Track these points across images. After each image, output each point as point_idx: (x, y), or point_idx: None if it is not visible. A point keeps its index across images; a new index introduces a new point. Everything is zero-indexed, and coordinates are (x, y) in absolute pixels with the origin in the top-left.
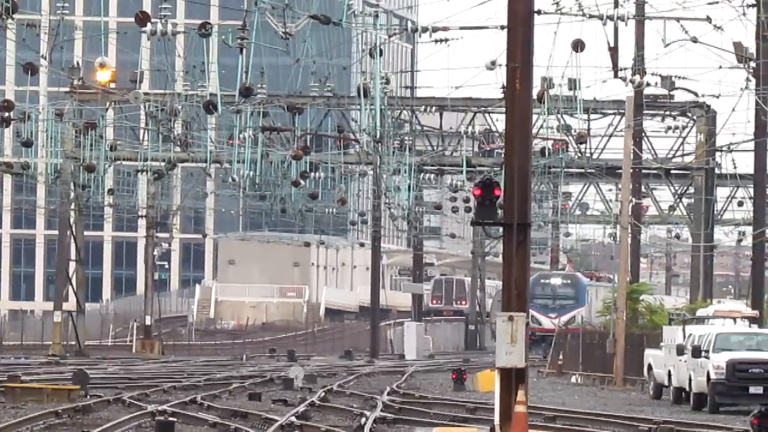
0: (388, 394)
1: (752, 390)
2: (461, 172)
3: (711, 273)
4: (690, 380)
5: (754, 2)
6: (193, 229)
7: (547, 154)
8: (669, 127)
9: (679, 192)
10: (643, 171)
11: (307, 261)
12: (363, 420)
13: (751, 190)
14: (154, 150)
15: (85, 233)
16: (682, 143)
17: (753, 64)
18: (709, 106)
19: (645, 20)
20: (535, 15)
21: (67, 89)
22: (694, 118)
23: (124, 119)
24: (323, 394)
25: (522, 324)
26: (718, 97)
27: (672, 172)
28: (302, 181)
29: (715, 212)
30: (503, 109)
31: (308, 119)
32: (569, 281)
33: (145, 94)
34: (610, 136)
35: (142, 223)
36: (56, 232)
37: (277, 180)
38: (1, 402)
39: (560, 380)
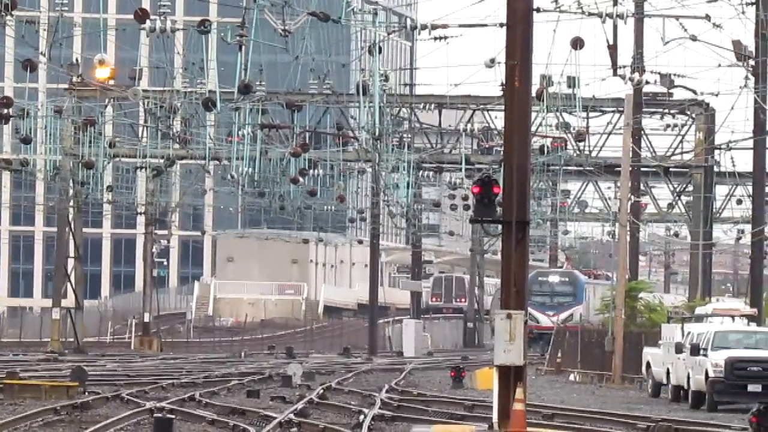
0: (387, 391)
1: (751, 388)
2: (460, 169)
3: (710, 271)
4: (688, 378)
5: (753, 0)
6: (191, 226)
7: (546, 151)
8: (668, 125)
9: (677, 190)
10: (642, 169)
11: (305, 258)
12: (361, 417)
13: (750, 188)
14: (153, 147)
15: (84, 230)
16: (681, 141)
17: (752, 63)
18: (708, 104)
19: (644, 18)
20: (534, 13)
21: (66, 86)
22: (693, 116)
23: (123, 116)
24: (322, 391)
25: (521, 322)
26: (717, 95)
27: (671, 170)
28: (301, 179)
29: (714, 210)
30: (502, 107)
31: (307, 116)
32: (567, 279)
33: (144, 91)
34: (609, 134)
35: (140, 220)
36: (55, 228)
37: (276, 177)
38: None
39: (559, 378)
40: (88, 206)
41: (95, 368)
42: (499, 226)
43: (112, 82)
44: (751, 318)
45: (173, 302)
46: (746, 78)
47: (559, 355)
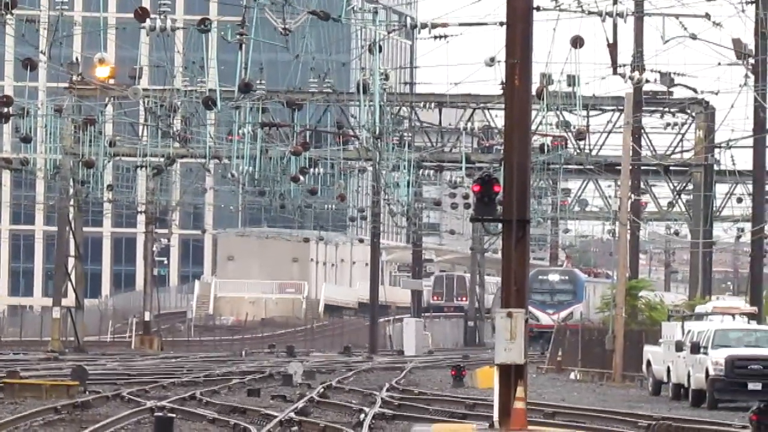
0: (387, 390)
1: (751, 386)
2: (460, 168)
3: (710, 269)
4: (689, 376)
5: None
6: (192, 225)
7: (546, 150)
8: (668, 124)
9: (678, 188)
10: (642, 167)
11: (306, 257)
12: (362, 416)
13: (750, 187)
14: (153, 146)
15: (84, 229)
16: (681, 140)
17: (752, 61)
18: (708, 102)
19: (644, 17)
20: (534, 11)
21: (66, 85)
22: (693, 114)
23: (123, 115)
24: (322, 390)
25: (521, 320)
26: (717, 93)
27: (671, 168)
28: (301, 177)
29: (714, 209)
30: (502, 106)
31: (307, 115)
32: (567, 277)
33: (144, 89)
34: (609, 133)
35: (141, 218)
36: (55, 227)
37: (277, 176)
38: None
39: (559, 376)
40: (88, 205)
41: (96, 367)
42: (500, 225)
43: (112, 81)
44: (751, 316)
45: (174, 301)
46: (746, 76)
47: (560, 353)
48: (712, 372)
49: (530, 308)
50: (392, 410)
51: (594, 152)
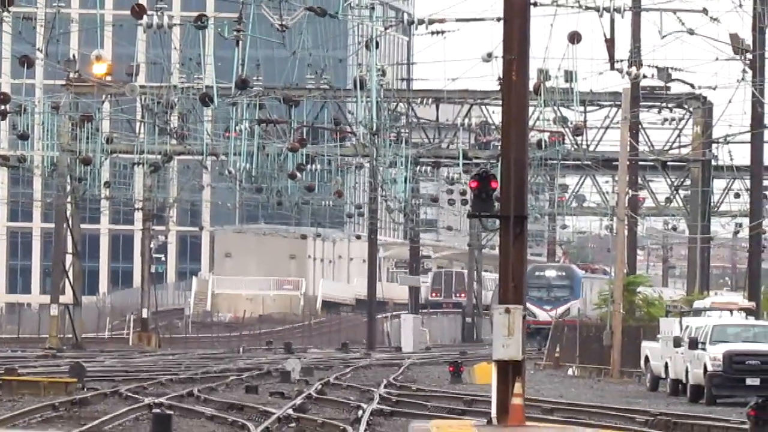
0: (385, 386)
1: (749, 382)
2: (458, 164)
3: (708, 265)
4: (687, 372)
5: None
6: (189, 222)
7: (543, 146)
8: (665, 119)
9: (675, 184)
10: (640, 163)
11: (303, 253)
12: (360, 413)
13: (748, 182)
14: (150, 143)
15: (82, 226)
16: (679, 135)
17: (749, 56)
18: (706, 97)
19: (641, 12)
20: (532, 7)
21: (63, 82)
22: (691, 109)
23: (120, 112)
24: (320, 386)
25: (519, 316)
26: (714, 88)
27: (668, 164)
28: (299, 174)
29: (712, 204)
30: (500, 101)
31: (304, 111)
32: (564, 273)
33: (141, 86)
34: (607, 128)
35: (138, 215)
36: (53, 225)
37: (274, 172)
38: None
39: (557, 373)
40: (85, 202)
41: (94, 364)
42: (497, 221)
43: (109, 78)
44: (749, 311)
45: (171, 298)
46: (744, 71)
47: (558, 349)
48: (710, 367)
49: (527, 304)
50: (390, 407)
51: (591, 148)
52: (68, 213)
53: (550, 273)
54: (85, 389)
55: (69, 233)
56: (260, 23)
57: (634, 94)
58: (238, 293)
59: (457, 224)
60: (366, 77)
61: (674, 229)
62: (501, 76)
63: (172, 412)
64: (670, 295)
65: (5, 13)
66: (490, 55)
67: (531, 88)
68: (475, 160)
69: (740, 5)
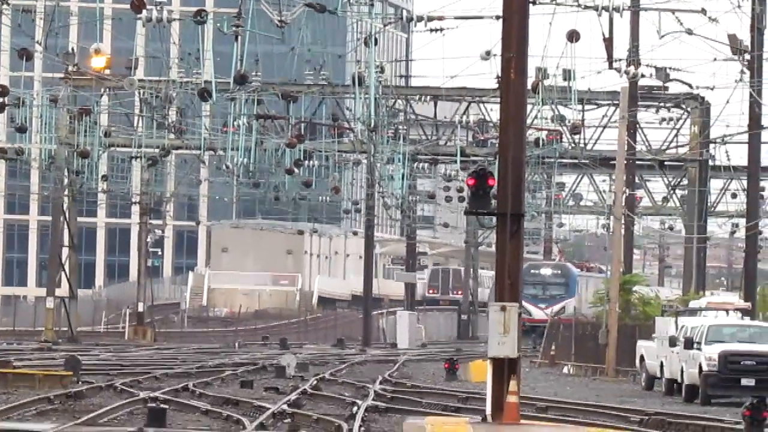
0: (380, 383)
1: (744, 382)
2: (455, 161)
3: (704, 265)
4: (682, 372)
5: None
6: (186, 216)
7: (541, 144)
8: (663, 119)
9: (672, 183)
10: (637, 162)
11: (300, 249)
12: (355, 409)
13: (745, 182)
14: (148, 137)
15: (79, 219)
16: (676, 135)
17: (747, 57)
18: (704, 97)
19: (640, 11)
20: (531, 5)
21: (62, 75)
22: (689, 109)
23: (118, 106)
24: (315, 382)
25: (515, 314)
26: (712, 89)
27: (666, 163)
28: (296, 169)
29: (709, 204)
30: (498, 99)
31: (302, 107)
32: (559, 271)
33: (140, 80)
34: (605, 127)
35: (135, 209)
36: (50, 217)
37: (271, 168)
38: None
39: (552, 371)
40: (82, 195)
41: (89, 358)
42: (494, 219)
43: (107, 71)
44: (744, 312)
45: (167, 292)
46: (742, 72)
47: (553, 347)
48: (705, 367)
49: (522, 302)
50: (385, 403)
51: (589, 146)
52: (65, 206)
53: (546, 271)
54: (80, 383)
55: (66, 226)
56: (259, 19)
57: (632, 94)
58: (234, 288)
59: (454, 221)
60: (364, 74)
61: (671, 228)
62: (499, 74)
63: (166, 407)
64: (667, 294)
65: (4, 6)
66: (488, 53)
67: (529, 87)
68: (472, 158)
69: (739, 6)
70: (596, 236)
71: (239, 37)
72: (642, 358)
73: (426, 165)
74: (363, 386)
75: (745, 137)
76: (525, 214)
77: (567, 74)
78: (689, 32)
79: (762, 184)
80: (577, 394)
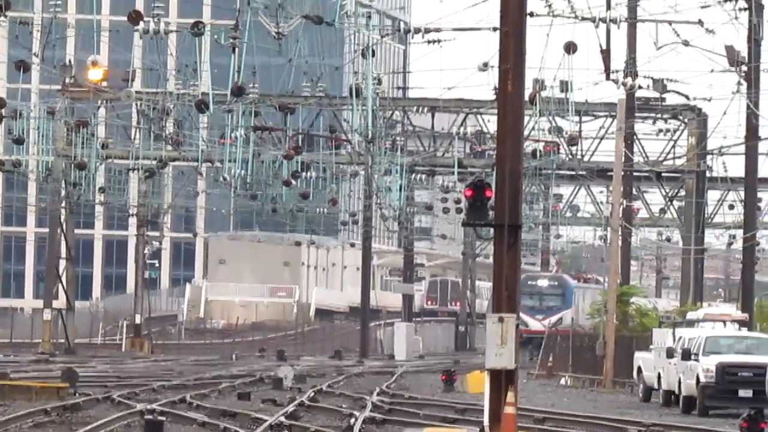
0: (378, 394)
1: (741, 393)
2: (452, 173)
3: (701, 276)
4: (679, 383)
5: (746, 6)
6: (183, 228)
7: (538, 155)
8: (660, 130)
9: (670, 195)
10: (634, 173)
11: (297, 261)
12: (352, 420)
13: (742, 194)
14: (145, 148)
15: (76, 231)
16: (674, 146)
17: (745, 68)
18: (701, 109)
19: (637, 23)
20: (528, 17)
21: (59, 87)
22: (686, 121)
23: (115, 117)
24: (313, 394)
25: (512, 325)
26: (709, 100)
27: (663, 174)
28: (293, 181)
29: (706, 215)
30: (495, 111)
31: (300, 119)
32: (556, 283)
33: (137, 92)
34: (602, 139)
35: (132, 221)
36: (47, 229)
37: (269, 179)
38: None
39: (550, 382)
40: (80, 207)
41: (86, 369)
42: (492, 230)
43: (105, 83)
44: (742, 323)
45: (165, 304)
46: (739, 83)
47: (551, 359)
48: (702, 379)
49: (519, 314)
50: (383, 415)
51: (586, 158)
52: (62, 218)
53: (543, 282)
54: (77, 394)
55: (63, 238)
56: (257, 31)
57: (629, 105)
58: (232, 300)
59: (452, 233)
60: (362, 85)
61: (668, 240)
62: (497, 86)
63: (164, 419)
64: (664, 306)
65: (2, 18)
66: (485, 64)
67: (526, 98)
68: (470, 169)
69: (736, 17)
70: (593, 248)
71: (236, 49)
72: (639, 370)
73: (423, 176)
74: (360, 398)
75: (742, 148)
76: (522, 225)
77: (564, 86)
78: (686, 44)
79: (759, 195)
80: (575, 406)
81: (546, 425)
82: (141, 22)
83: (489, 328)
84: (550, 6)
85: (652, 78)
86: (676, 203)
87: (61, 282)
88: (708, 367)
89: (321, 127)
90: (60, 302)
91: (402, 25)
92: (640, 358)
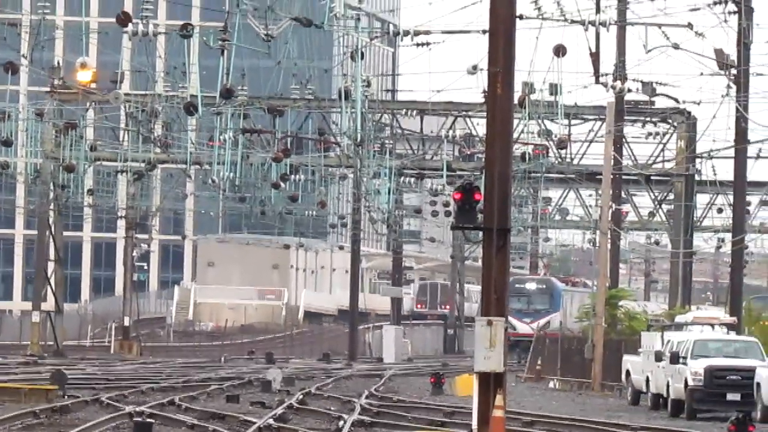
0: (366, 397)
1: (729, 397)
2: (441, 176)
3: (690, 279)
4: (668, 386)
5: (736, 9)
6: (172, 231)
7: (527, 159)
8: (649, 133)
9: (658, 198)
10: (623, 177)
11: (286, 263)
12: (341, 423)
13: (731, 197)
14: (134, 151)
15: (65, 233)
16: (663, 149)
17: (734, 71)
18: (690, 112)
19: (626, 26)
20: (517, 20)
21: (48, 89)
22: (675, 124)
23: (104, 119)
24: (301, 396)
25: (501, 329)
26: (698, 103)
27: (652, 178)
28: (282, 184)
29: (695, 219)
30: (484, 114)
31: (289, 121)
32: (544, 286)
33: (126, 94)
34: (591, 142)
35: (121, 223)
36: (35, 232)
37: (257, 182)
38: None
39: (538, 385)
40: (68, 209)
41: (75, 372)
42: (480, 233)
43: (93, 85)
44: (730, 327)
45: (153, 306)
46: (728, 87)
47: (539, 362)
48: (691, 382)
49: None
50: (371, 417)
51: (575, 161)
52: (51, 220)
53: (531, 285)
54: (66, 397)
55: (52, 240)
56: (246, 33)
57: (618, 108)
58: (220, 302)
59: (441, 236)
60: (351, 88)
61: (657, 243)
62: (486, 89)
63: (152, 421)
64: (653, 309)
65: None
66: (475, 67)
67: (516, 101)
68: (458, 172)
69: (725, 20)
70: (582, 251)
71: (225, 51)
72: (628, 373)
73: (412, 179)
74: (349, 401)
75: (732, 152)
76: (511, 228)
77: (553, 89)
78: (676, 47)
79: (748, 198)
80: (563, 409)
81: (534, 428)
82: (130, 24)
83: (478, 331)
84: (539, 9)
85: (641, 81)
86: (665, 207)
87: (50, 284)
88: (696, 371)
89: (310, 130)
90: (49, 304)
91: (391, 27)
92: (628, 361)
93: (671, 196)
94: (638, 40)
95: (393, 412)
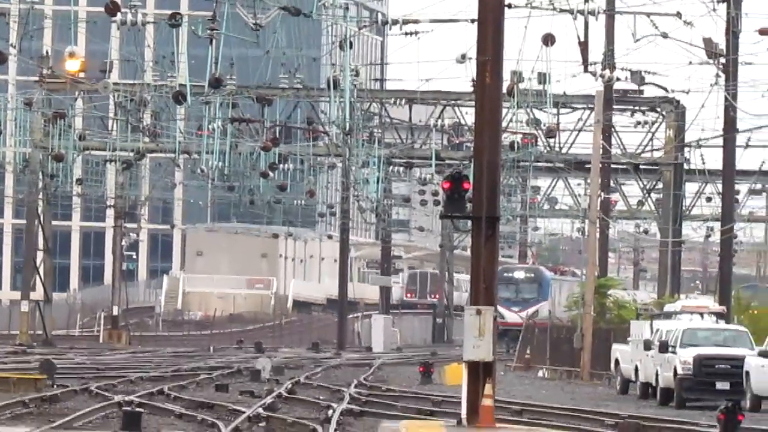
0: (355, 386)
1: (719, 385)
2: (430, 165)
3: (678, 268)
4: (657, 375)
5: None
6: (161, 220)
7: (516, 148)
8: (638, 122)
9: (647, 187)
10: (612, 166)
11: (275, 253)
12: (330, 412)
13: (720, 186)
14: (122, 140)
15: (53, 223)
16: (652, 138)
17: (723, 60)
18: (679, 101)
19: (615, 15)
20: (506, 8)
21: (36, 78)
22: (664, 113)
23: (93, 109)
24: (290, 386)
25: (490, 317)
26: (687, 92)
27: (641, 167)
28: (271, 173)
29: (684, 208)
30: (473, 103)
31: (277, 111)
32: (533, 275)
33: (115, 84)
34: (580, 131)
35: (110, 213)
36: (24, 221)
37: (246, 171)
38: None
39: (528, 374)
40: (57, 199)
41: (64, 361)
42: (469, 222)
43: (82, 74)
44: (719, 315)
45: (142, 296)
46: (717, 76)
47: (528, 351)
48: (680, 371)
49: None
50: (360, 406)
51: (564, 150)
52: (40, 209)
53: (519, 274)
54: (55, 386)
55: (40, 230)
56: (234, 22)
57: (607, 97)
58: (209, 292)
59: (429, 225)
60: (339, 77)
61: (646, 232)
62: (474, 78)
63: (141, 410)
64: (642, 298)
65: None
66: (463, 56)
67: (504, 90)
68: (447, 161)
69: (714, 9)
70: (571, 240)
71: (214, 41)
72: (617, 362)
73: (401, 168)
74: (338, 390)
75: (720, 141)
76: (500, 217)
77: (542, 78)
78: (664, 36)
79: (736, 187)
80: (552, 398)
81: (523, 417)
82: (118, 14)
83: (467, 320)
84: None
85: (630, 70)
86: (653, 195)
87: (39, 273)
88: (685, 360)
89: (299, 119)
90: (37, 294)
91: (380, 16)
92: (617, 350)
93: (660, 185)
94: (627, 28)
95: (382, 401)
